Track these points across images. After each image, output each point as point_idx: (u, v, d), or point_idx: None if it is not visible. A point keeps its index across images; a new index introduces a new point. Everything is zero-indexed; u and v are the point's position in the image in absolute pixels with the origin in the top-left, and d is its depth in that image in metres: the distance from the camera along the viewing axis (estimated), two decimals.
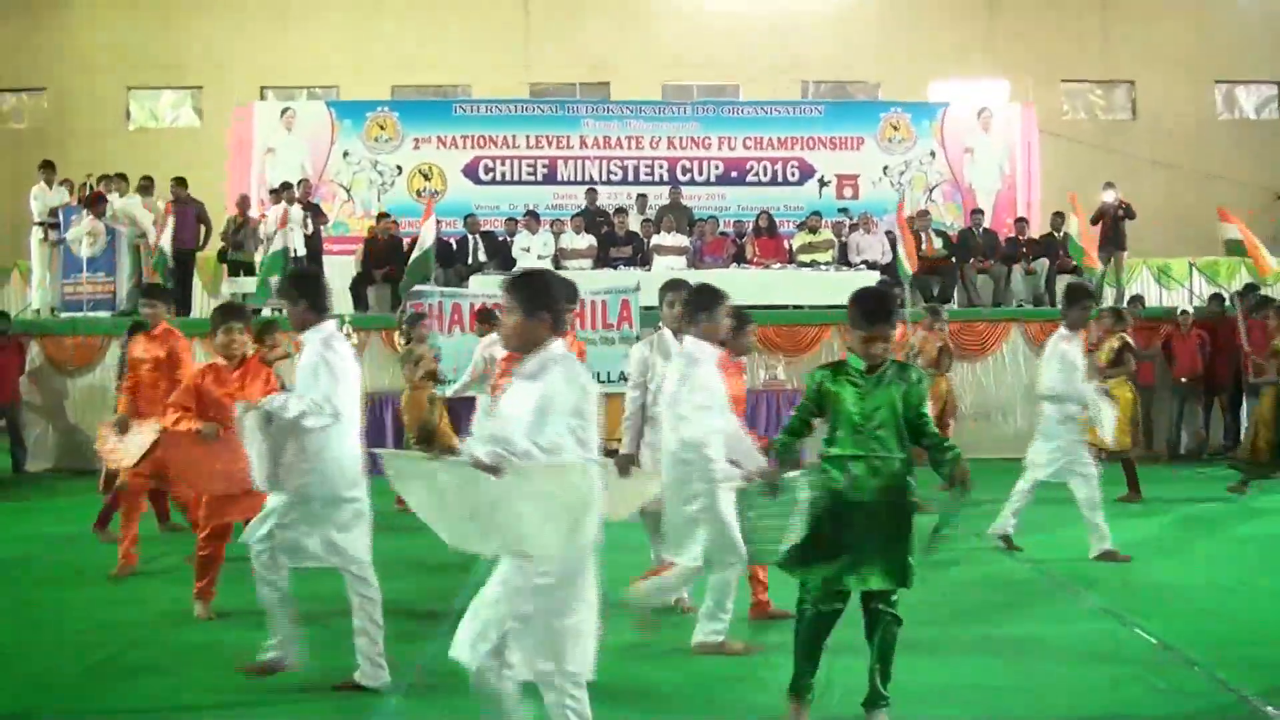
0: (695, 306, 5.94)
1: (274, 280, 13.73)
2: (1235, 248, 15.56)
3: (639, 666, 5.59)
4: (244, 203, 16.57)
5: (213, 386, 6.41)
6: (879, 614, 4.64)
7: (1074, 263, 16.24)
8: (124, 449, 7.74)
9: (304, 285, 5.55)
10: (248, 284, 15.49)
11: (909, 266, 14.69)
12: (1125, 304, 15.74)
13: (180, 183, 15.86)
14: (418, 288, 13.74)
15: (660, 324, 6.75)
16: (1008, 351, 14.87)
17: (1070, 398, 8.09)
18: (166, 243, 15.12)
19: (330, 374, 5.20)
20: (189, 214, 15.76)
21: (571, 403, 3.81)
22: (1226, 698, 5.18)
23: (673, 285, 6.60)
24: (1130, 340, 11.33)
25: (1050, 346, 8.34)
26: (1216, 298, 15.55)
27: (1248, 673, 5.45)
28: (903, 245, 15.01)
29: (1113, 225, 16.85)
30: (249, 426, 5.17)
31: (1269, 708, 4.97)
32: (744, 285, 13.47)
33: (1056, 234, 16.93)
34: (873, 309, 4.66)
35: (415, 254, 14.37)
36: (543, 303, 3.91)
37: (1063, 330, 8.28)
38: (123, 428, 7.80)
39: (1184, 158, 23.34)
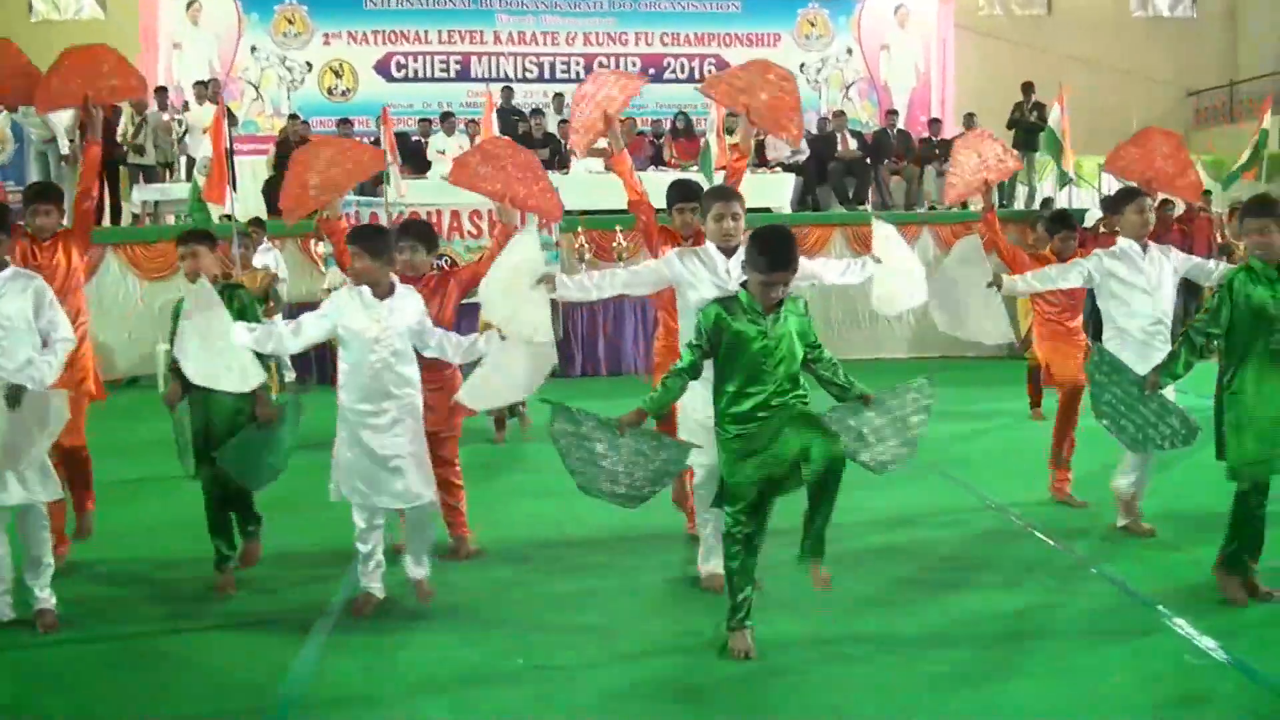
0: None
1: None
2: (1049, 141, 15.24)
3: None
4: (141, 102, 15.48)
5: None
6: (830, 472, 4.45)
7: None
8: None
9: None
10: (160, 190, 15.16)
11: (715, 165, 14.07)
12: (1038, 206, 15.97)
13: None
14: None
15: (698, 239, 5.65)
16: (918, 252, 14.94)
17: None
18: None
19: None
20: (110, 116, 15.13)
21: None
22: (1124, 599, 5.40)
23: (724, 195, 5.36)
24: None
25: None
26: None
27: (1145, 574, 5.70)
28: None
29: (1025, 128, 17.02)
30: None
31: (1159, 606, 5.20)
32: (662, 187, 13.43)
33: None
34: (775, 252, 4.51)
35: None
36: None
37: None
38: None
39: (1098, 54, 23.42)
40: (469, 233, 13.09)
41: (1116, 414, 5.76)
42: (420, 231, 6.24)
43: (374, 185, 14.61)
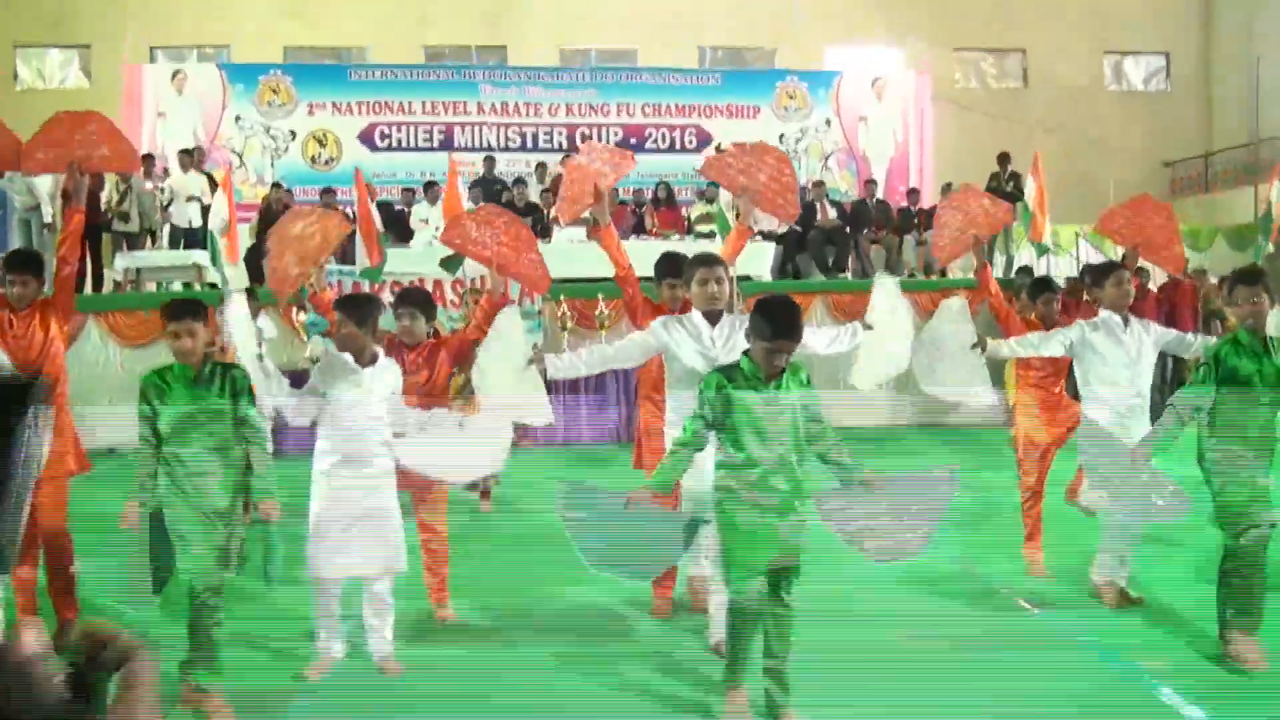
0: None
1: None
2: (1022, 212, 15.48)
3: None
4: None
5: None
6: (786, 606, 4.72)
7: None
8: None
9: None
10: (143, 258, 15.17)
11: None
12: (1014, 274, 16.09)
13: None
14: None
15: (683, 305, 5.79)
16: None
17: None
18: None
19: None
20: (96, 184, 15.07)
21: None
22: (1112, 670, 5.42)
23: (708, 261, 5.48)
24: None
25: None
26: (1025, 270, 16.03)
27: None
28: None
29: (1003, 198, 17.17)
30: None
31: (1149, 677, 5.21)
32: (644, 256, 13.54)
33: None
34: (779, 320, 4.56)
35: None
36: None
37: None
38: None
39: (1073, 126, 23.85)
40: (451, 302, 13.13)
41: (1114, 488, 5.75)
42: (419, 300, 6.32)
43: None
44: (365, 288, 12.65)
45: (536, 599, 6.82)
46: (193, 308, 5.18)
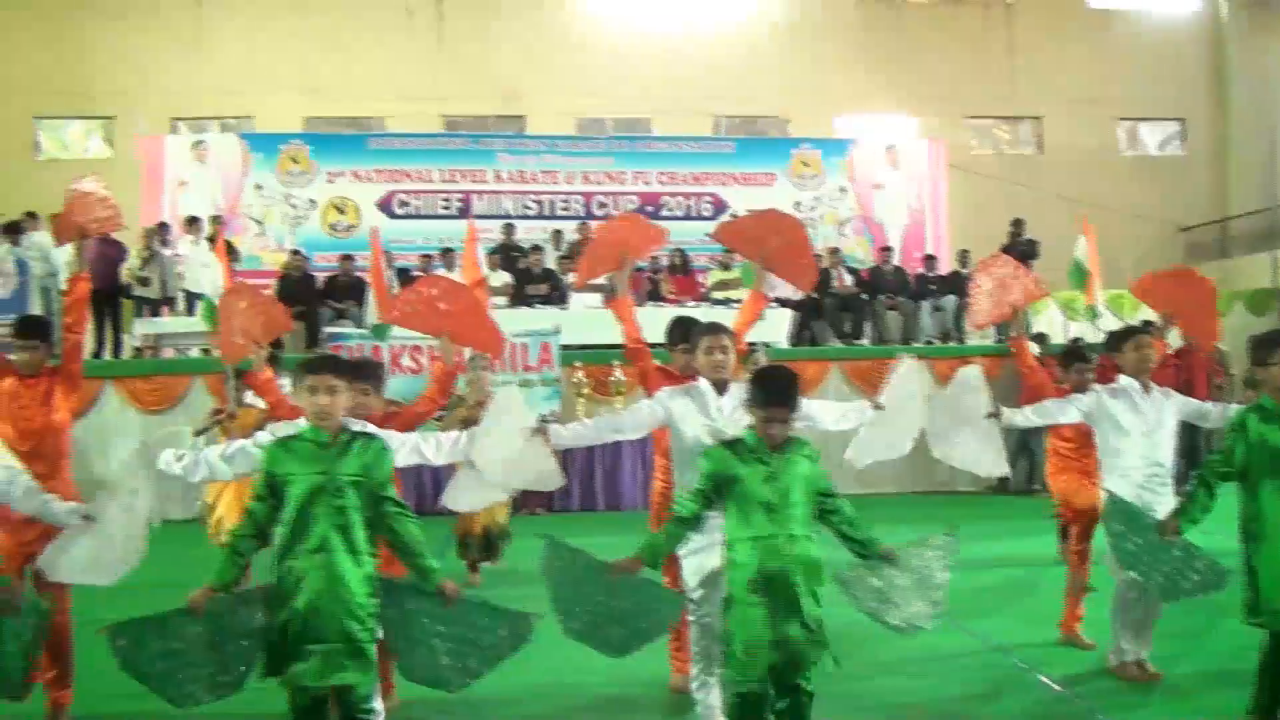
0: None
1: None
2: (1074, 273, 15.53)
3: None
4: (149, 237, 15.76)
5: None
6: (800, 691, 4.50)
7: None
8: None
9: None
10: (161, 324, 15.26)
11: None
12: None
13: None
14: (334, 329, 13.67)
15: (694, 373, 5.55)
16: None
17: None
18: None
19: None
20: (114, 252, 15.18)
21: None
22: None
23: (713, 329, 5.44)
24: None
25: None
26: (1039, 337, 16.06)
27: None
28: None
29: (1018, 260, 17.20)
30: None
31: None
32: (660, 324, 13.55)
33: (963, 270, 17.26)
34: (774, 390, 4.54)
35: None
36: None
37: None
38: None
39: (1088, 193, 23.80)
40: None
41: (1141, 563, 5.59)
42: (368, 372, 5.71)
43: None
44: (380, 346, 12.77)
45: (539, 675, 6.47)
46: (335, 363, 4.74)
